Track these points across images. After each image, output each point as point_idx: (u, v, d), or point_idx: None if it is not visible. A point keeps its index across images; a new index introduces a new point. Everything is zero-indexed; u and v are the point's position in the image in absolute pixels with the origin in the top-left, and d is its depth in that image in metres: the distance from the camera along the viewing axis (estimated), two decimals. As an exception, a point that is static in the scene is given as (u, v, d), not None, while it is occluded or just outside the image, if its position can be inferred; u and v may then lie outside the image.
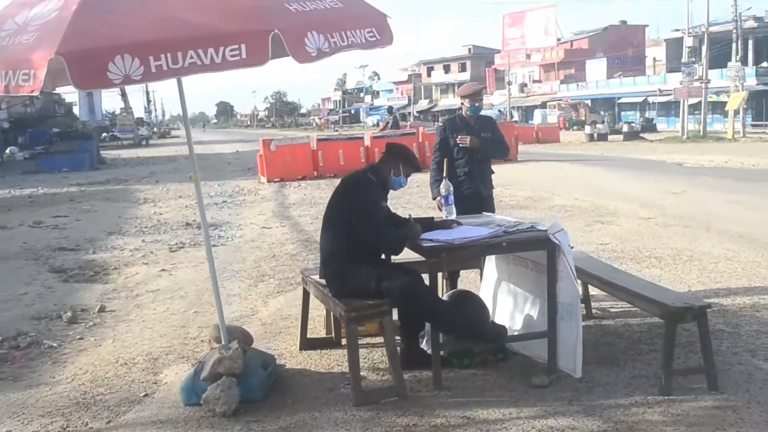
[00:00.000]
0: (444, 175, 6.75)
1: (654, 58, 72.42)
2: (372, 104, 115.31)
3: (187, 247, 11.27)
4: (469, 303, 5.25)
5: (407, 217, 5.35)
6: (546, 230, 5.01)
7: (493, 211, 6.99)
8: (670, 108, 59.79)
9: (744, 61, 49.20)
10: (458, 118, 7.02)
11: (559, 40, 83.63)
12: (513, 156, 25.31)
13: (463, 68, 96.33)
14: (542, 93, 78.36)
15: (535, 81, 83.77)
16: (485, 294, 6.11)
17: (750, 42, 57.17)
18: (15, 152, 38.04)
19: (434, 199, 6.76)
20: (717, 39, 49.46)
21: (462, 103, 6.95)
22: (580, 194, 15.47)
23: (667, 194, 15.20)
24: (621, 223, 11.65)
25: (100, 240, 12.31)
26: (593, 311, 6.50)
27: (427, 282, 5.22)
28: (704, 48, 43.72)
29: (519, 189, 16.77)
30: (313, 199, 16.87)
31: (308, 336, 6.00)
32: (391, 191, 5.37)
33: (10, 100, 32.09)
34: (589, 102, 67.75)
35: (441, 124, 7.23)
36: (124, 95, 66.54)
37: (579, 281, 6.12)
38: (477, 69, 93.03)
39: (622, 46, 76.54)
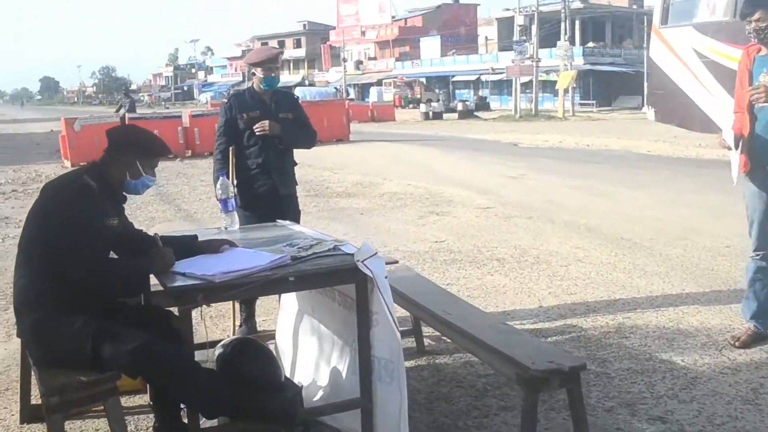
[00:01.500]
0: (230, 168, 5.12)
1: (486, 37, 73.22)
2: (206, 80, 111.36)
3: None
4: (247, 363, 3.61)
5: (154, 236, 3.65)
6: (353, 254, 3.45)
7: (296, 214, 5.41)
8: (502, 86, 60.40)
9: (572, 41, 50.18)
10: (248, 94, 5.33)
11: (393, 17, 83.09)
12: (345, 136, 23.98)
13: (298, 44, 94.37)
14: (378, 70, 77.60)
15: (370, 58, 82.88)
16: (282, 330, 4.51)
17: (577, 22, 58.58)
18: None
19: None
20: (546, 18, 50.10)
21: (253, 73, 5.27)
22: (414, 179, 14.17)
23: (505, 179, 14.15)
24: (458, 213, 10.38)
25: None
26: (425, 344, 5.04)
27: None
28: (534, 27, 44.01)
29: (348, 173, 15.33)
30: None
31: (33, 402, 4.17)
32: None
33: None
34: (424, 80, 67.50)
35: (226, 101, 5.47)
36: None
37: (410, 314, 4.67)
38: (312, 45, 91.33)
39: (455, 25, 77.00)
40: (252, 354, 3.71)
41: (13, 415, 4.23)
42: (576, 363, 3.33)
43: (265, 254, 3.47)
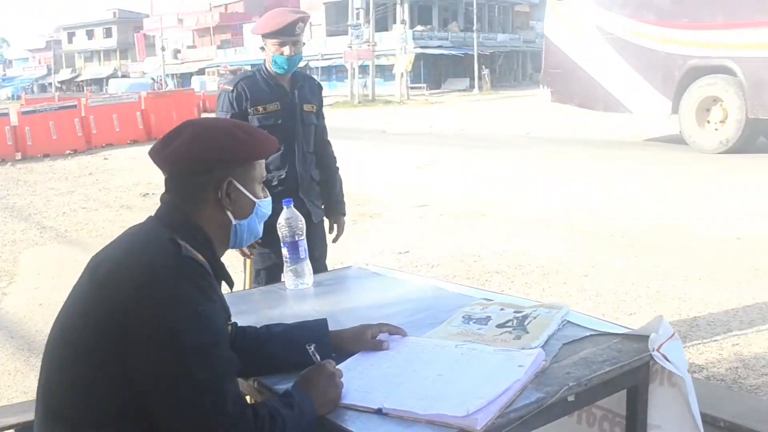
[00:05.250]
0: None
1: (310, 23, 71.81)
2: (5, 75, 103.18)
3: None
4: None
5: (309, 348, 1.89)
6: (642, 336, 2.03)
7: (325, 247, 3.90)
8: (331, 72, 59.47)
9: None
10: (261, 77, 3.70)
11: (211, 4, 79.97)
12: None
13: (108, 33, 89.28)
14: (198, 59, 74.21)
15: (189, 47, 79.22)
16: None
17: (406, 6, 58.55)
18: None
19: None
20: (375, 2, 49.52)
21: (263, 48, 3.66)
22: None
23: (410, 170, 12.83)
24: (394, 215, 9.06)
25: None
26: None
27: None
28: (371, 10, 43.22)
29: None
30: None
31: None
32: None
33: None
34: (249, 68, 65.00)
35: (229, 87, 3.69)
36: None
37: None
38: (124, 34, 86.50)
39: (279, 10, 75.10)
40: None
41: None
42: None
43: (503, 350, 1.97)
